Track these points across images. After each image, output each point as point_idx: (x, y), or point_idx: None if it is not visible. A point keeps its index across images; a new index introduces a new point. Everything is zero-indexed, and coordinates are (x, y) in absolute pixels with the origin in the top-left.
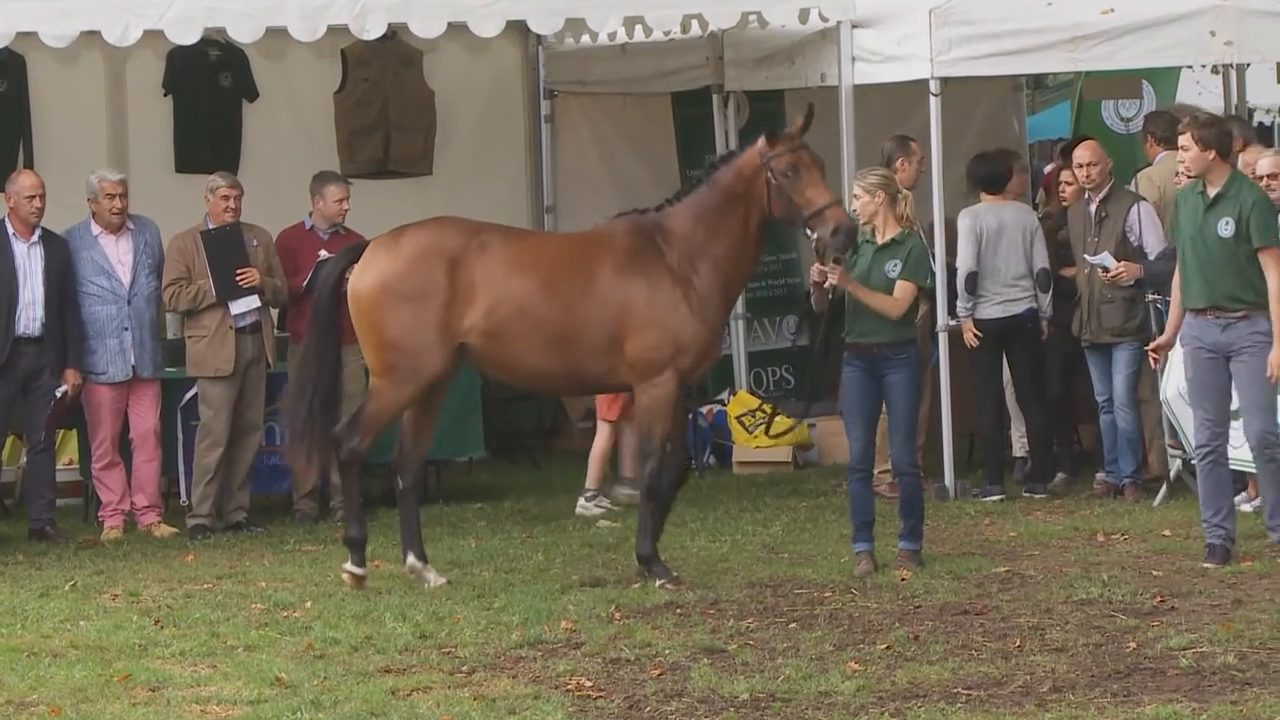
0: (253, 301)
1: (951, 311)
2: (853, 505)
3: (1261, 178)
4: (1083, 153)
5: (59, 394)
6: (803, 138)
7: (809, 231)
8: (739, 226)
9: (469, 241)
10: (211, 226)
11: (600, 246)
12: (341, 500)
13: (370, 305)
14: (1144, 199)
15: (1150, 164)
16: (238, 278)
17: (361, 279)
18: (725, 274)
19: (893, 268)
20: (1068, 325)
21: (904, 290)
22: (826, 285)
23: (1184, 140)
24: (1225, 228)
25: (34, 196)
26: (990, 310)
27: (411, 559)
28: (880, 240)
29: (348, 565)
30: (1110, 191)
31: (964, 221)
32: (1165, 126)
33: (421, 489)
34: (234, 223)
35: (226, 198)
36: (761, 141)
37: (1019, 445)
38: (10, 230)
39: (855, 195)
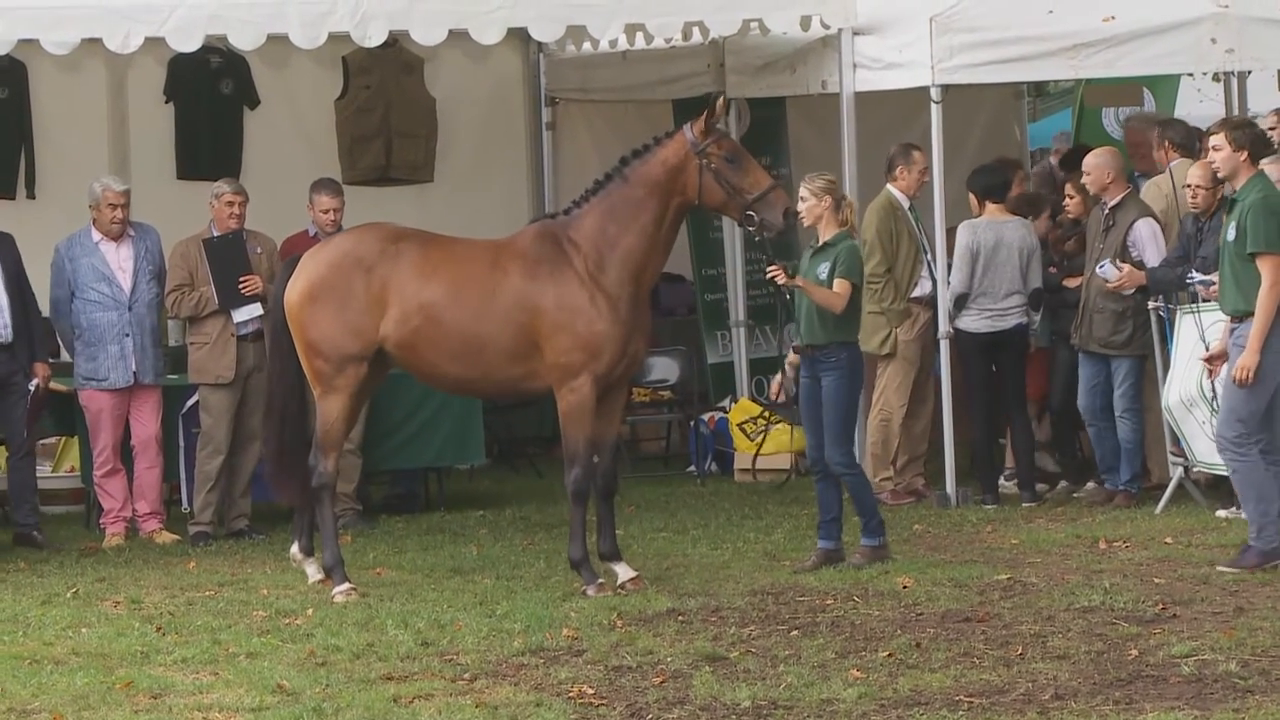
0: (255, 309)
1: (952, 320)
2: (818, 502)
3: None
4: (1088, 160)
5: (31, 388)
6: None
7: (750, 215)
8: (654, 218)
9: (385, 248)
10: (215, 233)
11: (508, 253)
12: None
13: (297, 312)
14: (1151, 213)
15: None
16: (240, 285)
17: (292, 289)
18: (636, 267)
19: (823, 270)
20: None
21: (841, 287)
22: (781, 284)
23: (1216, 140)
24: (1231, 232)
25: None
26: (979, 323)
27: (295, 550)
28: (819, 244)
29: (336, 590)
30: (1122, 201)
31: (960, 238)
32: (1182, 134)
33: (420, 499)
34: (237, 230)
35: (231, 204)
36: (690, 131)
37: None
38: None
39: (802, 198)
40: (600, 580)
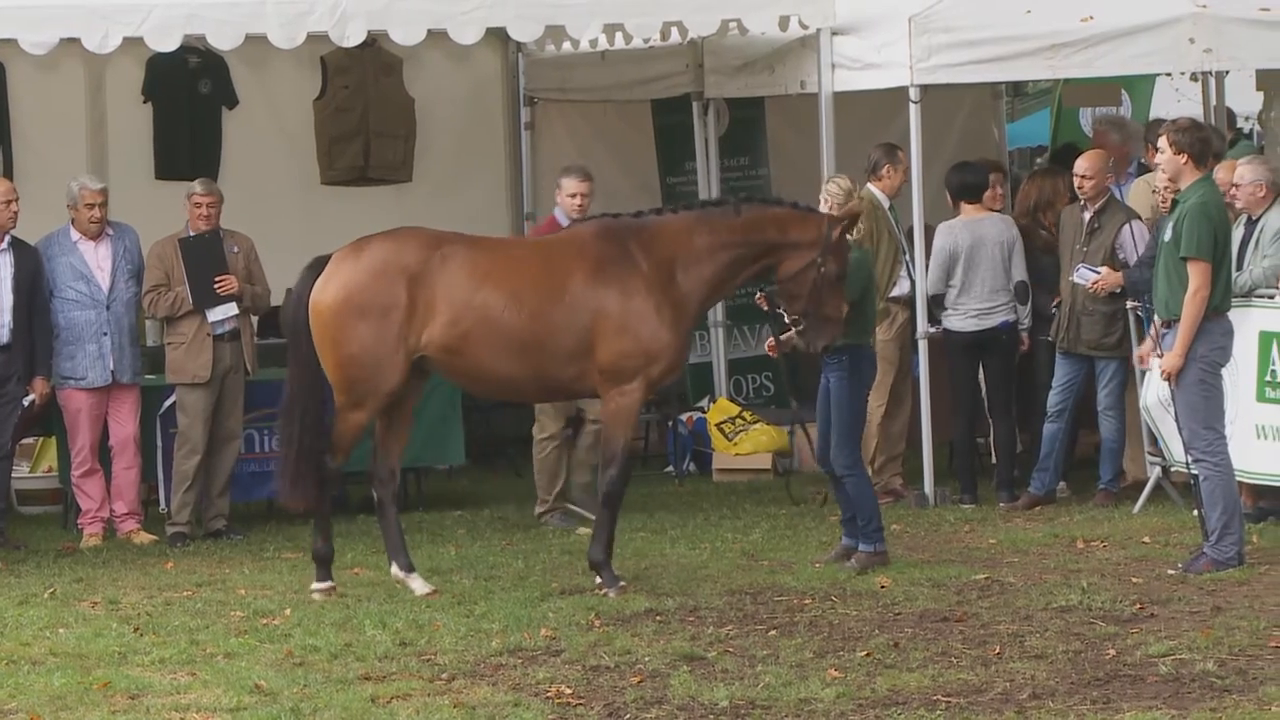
0: (231, 309)
1: (930, 319)
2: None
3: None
4: (1082, 163)
5: (26, 403)
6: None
7: (800, 325)
8: (738, 260)
9: (431, 254)
10: (191, 234)
11: (570, 251)
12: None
13: (331, 320)
14: (1137, 216)
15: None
16: (215, 285)
17: (323, 293)
18: (707, 294)
19: None
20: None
21: None
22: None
23: (1161, 142)
24: (1168, 233)
25: (9, 202)
26: (965, 323)
27: (395, 569)
28: None
29: (314, 586)
30: (1106, 204)
31: (937, 240)
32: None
33: (399, 498)
34: (213, 230)
35: (200, 205)
36: (835, 229)
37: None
38: None
39: (824, 199)
40: (623, 583)
